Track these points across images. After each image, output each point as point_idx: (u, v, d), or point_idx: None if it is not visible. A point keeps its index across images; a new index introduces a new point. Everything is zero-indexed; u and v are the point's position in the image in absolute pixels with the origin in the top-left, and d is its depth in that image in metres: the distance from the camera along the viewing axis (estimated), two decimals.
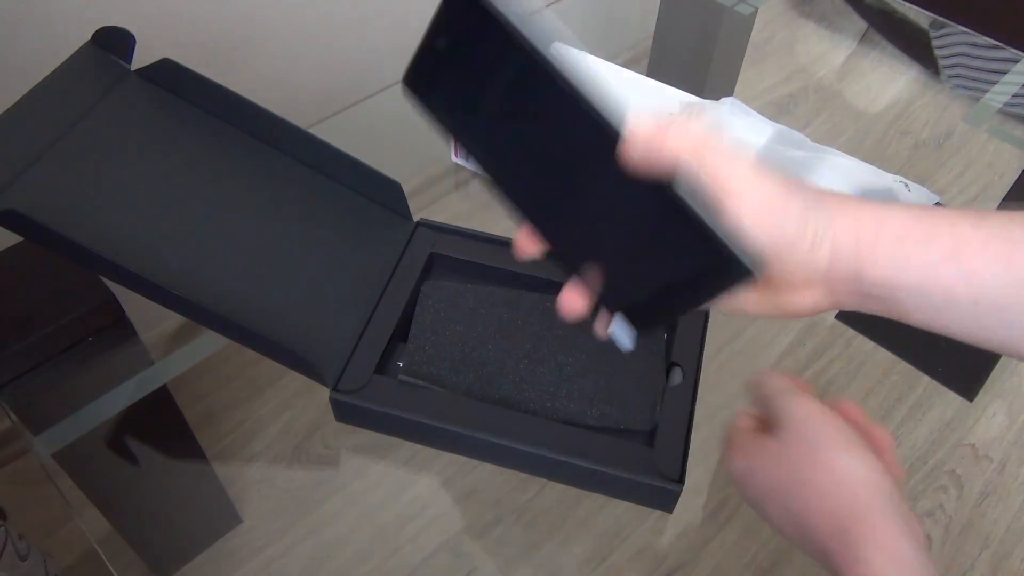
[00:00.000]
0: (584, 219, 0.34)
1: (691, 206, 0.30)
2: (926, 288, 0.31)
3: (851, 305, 0.33)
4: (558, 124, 0.32)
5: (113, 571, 0.49)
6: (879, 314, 0.34)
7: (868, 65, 0.93)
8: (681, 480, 0.49)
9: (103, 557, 0.50)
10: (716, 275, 0.30)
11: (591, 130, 0.31)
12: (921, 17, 0.95)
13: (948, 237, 0.31)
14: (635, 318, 0.34)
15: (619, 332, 0.34)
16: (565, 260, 0.35)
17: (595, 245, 0.34)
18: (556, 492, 0.54)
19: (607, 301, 0.34)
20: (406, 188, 0.61)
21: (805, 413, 0.36)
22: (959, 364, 0.64)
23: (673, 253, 0.31)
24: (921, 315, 0.32)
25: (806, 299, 0.33)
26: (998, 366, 0.64)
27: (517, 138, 0.34)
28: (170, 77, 0.58)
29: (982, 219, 0.31)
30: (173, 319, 0.60)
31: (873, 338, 0.63)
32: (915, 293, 0.31)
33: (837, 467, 0.34)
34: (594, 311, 0.35)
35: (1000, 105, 0.85)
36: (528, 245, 0.35)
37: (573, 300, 0.35)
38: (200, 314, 0.50)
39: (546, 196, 0.34)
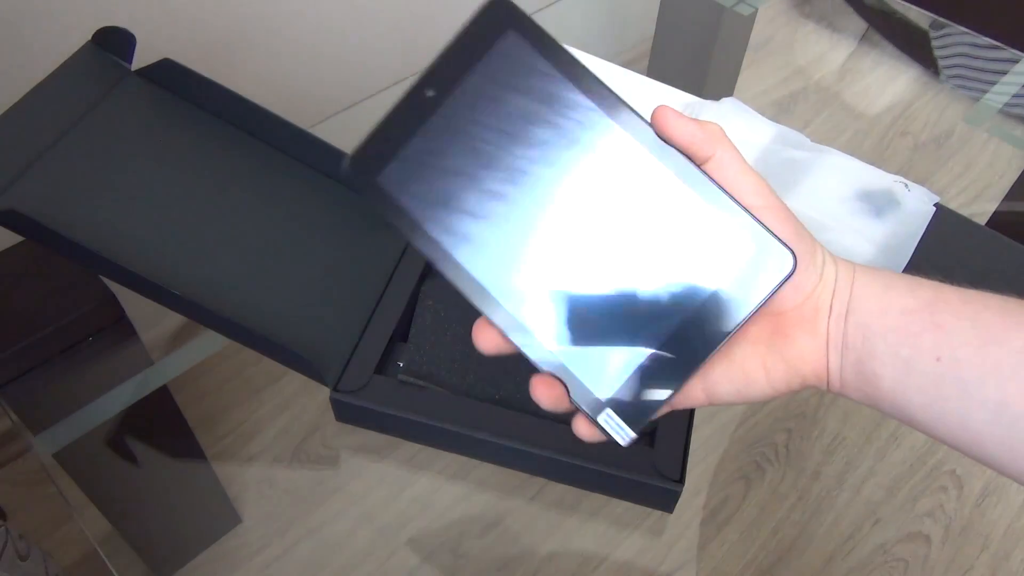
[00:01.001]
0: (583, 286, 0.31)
1: (723, 188, 0.30)
2: (897, 336, 0.31)
3: (834, 364, 0.33)
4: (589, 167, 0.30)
5: (113, 571, 0.49)
6: (852, 392, 0.33)
7: (868, 65, 0.93)
8: (681, 480, 0.49)
9: (103, 557, 0.50)
10: (757, 268, 0.29)
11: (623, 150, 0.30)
12: (921, 17, 0.95)
13: (929, 290, 0.31)
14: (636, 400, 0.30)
15: (612, 428, 0.31)
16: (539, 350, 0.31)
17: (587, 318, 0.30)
18: (556, 492, 0.54)
19: (595, 394, 0.30)
20: None
21: None
22: None
23: (705, 262, 0.30)
24: (890, 374, 0.31)
25: (806, 340, 0.32)
26: None
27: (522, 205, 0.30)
28: (170, 77, 0.58)
29: (965, 289, 0.31)
30: (173, 319, 0.60)
31: None
32: (889, 340, 0.31)
33: None
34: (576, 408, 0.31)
35: (1000, 105, 0.85)
36: (491, 338, 0.32)
37: (552, 388, 0.31)
38: (200, 314, 0.50)
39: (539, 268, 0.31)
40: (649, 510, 0.52)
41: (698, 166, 0.30)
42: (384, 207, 0.31)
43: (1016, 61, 0.88)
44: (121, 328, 0.60)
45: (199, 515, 0.57)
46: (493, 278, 0.30)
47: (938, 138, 0.83)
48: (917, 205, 0.67)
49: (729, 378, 0.33)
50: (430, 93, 0.31)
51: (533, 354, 0.31)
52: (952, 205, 0.68)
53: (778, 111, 0.85)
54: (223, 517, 0.54)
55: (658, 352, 0.30)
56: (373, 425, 0.54)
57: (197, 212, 0.55)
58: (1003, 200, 0.76)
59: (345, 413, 0.54)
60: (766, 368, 0.33)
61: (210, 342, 0.60)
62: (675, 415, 0.52)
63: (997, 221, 0.72)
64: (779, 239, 0.29)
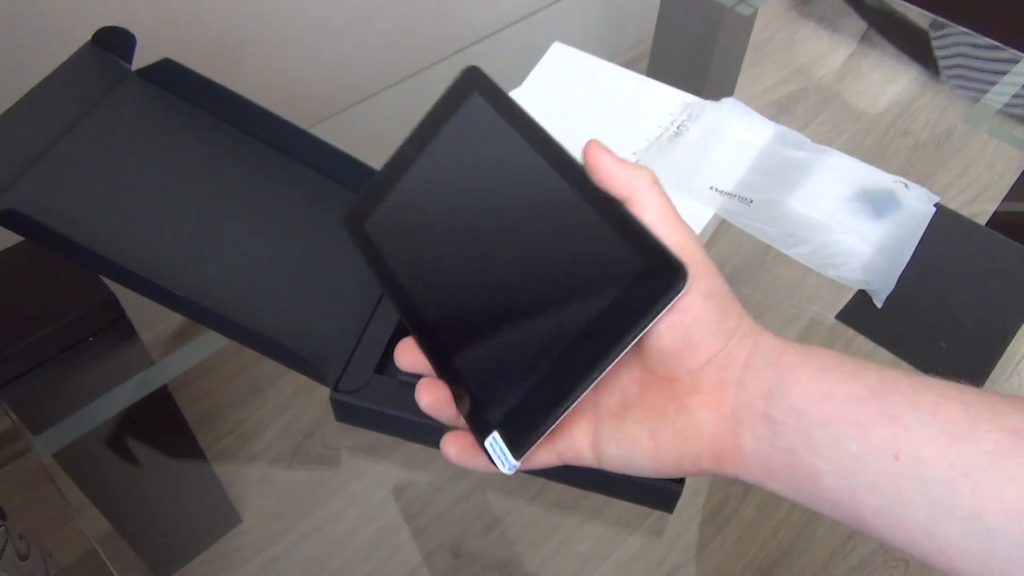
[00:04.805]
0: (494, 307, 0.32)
1: (634, 214, 0.30)
2: (842, 427, 0.26)
3: (751, 448, 0.28)
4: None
5: (113, 571, 0.49)
6: (782, 486, 0.28)
7: (868, 65, 0.93)
8: (681, 480, 0.49)
9: (103, 557, 0.50)
10: (648, 283, 0.27)
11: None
12: (921, 17, 0.95)
13: (876, 375, 0.27)
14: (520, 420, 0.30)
15: (496, 454, 0.31)
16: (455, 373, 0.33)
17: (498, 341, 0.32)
18: (556, 492, 0.54)
19: (490, 408, 0.31)
20: None
21: None
22: (959, 364, 0.64)
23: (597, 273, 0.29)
24: (834, 471, 0.26)
25: (705, 412, 0.29)
26: (998, 367, 0.63)
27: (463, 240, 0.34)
28: (170, 77, 0.58)
29: (913, 372, 0.28)
30: (173, 319, 0.60)
31: (873, 338, 0.63)
32: (829, 432, 0.26)
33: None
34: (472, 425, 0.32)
35: (1000, 105, 0.85)
36: (412, 356, 0.35)
37: (437, 390, 0.33)
38: (200, 314, 0.50)
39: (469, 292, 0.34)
40: (649, 510, 0.52)
41: (616, 201, 0.30)
42: (362, 250, 0.39)
43: (1016, 61, 0.88)
44: (121, 328, 0.60)
45: (199, 515, 0.57)
46: (425, 304, 0.35)
47: (938, 138, 0.83)
48: (917, 205, 0.67)
49: (616, 439, 0.30)
50: (410, 152, 0.36)
51: (442, 374, 0.34)
52: (952, 205, 0.68)
53: (778, 111, 0.85)
54: (223, 517, 0.54)
55: (546, 376, 0.29)
56: (373, 425, 0.54)
57: (197, 212, 0.55)
58: (1003, 200, 0.76)
59: (345, 413, 0.54)
60: (654, 437, 0.29)
61: (210, 342, 0.60)
62: None
63: (997, 221, 0.72)
64: (671, 253, 0.27)
